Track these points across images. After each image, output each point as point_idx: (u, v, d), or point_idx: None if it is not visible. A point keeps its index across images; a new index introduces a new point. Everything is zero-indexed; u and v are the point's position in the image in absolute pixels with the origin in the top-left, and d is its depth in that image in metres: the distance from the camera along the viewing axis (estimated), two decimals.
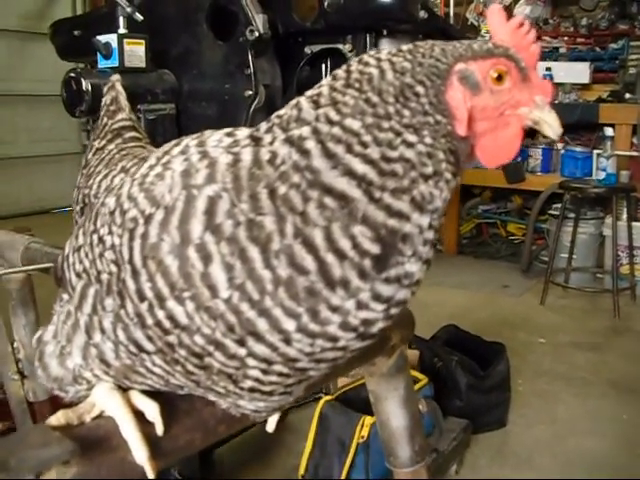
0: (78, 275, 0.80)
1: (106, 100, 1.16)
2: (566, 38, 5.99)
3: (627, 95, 5.43)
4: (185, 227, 0.65)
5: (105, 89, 1.18)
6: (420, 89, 0.68)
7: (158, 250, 0.66)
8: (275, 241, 0.63)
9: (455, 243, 6.03)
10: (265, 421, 0.93)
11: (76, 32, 2.25)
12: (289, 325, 0.64)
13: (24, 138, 7.70)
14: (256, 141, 0.68)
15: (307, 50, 1.81)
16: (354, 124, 0.65)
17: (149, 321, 0.68)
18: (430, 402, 2.52)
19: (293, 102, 0.70)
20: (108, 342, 0.75)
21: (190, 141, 0.72)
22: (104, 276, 0.73)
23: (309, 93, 0.70)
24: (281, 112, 0.70)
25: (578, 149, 5.42)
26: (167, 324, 0.67)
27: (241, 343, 0.66)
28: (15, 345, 1.72)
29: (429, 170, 0.66)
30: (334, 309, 0.64)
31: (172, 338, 0.68)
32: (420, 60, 0.69)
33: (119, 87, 1.17)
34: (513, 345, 3.58)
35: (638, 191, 4.86)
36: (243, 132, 0.72)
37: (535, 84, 0.73)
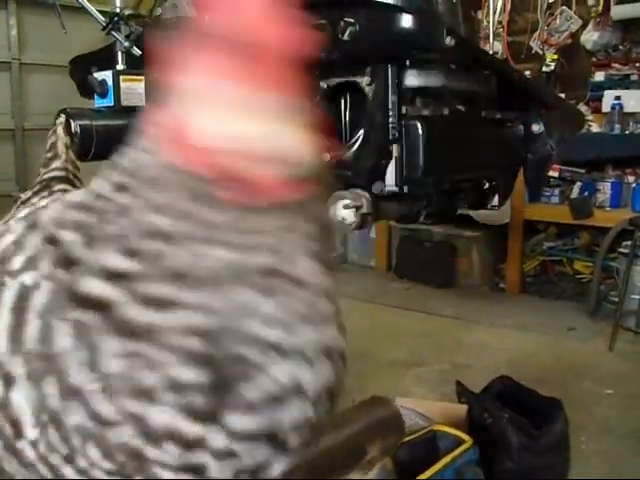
0: None
1: (46, 146, 1.02)
2: (637, 64, 5.66)
3: None
4: None
5: (49, 133, 1.04)
6: None
7: None
8: None
9: (518, 282, 5.73)
10: None
11: (93, 69, 2.17)
12: None
13: (86, 170, 7.85)
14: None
15: (323, 84, 1.65)
16: None
17: None
18: (473, 468, 2.29)
19: None
20: None
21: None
22: None
23: None
24: None
25: None
26: None
27: None
28: None
29: None
30: None
31: None
32: None
33: (60, 131, 1.03)
34: (577, 396, 3.33)
35: None
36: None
37: None
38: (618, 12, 5.64)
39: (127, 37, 1.63)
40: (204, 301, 0.46)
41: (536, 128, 2.08)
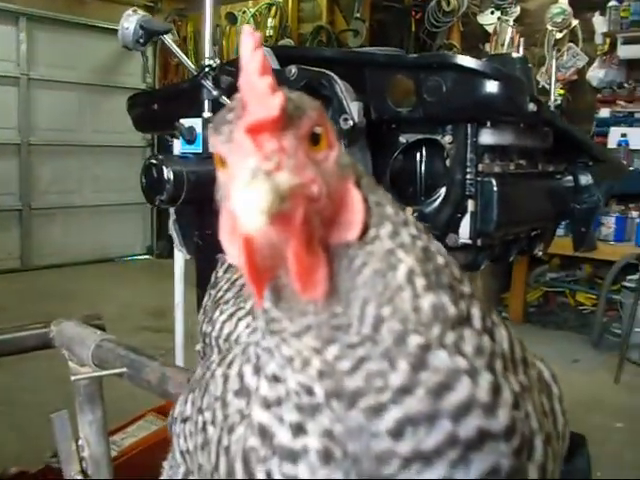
0: (182, 454, 0.69)
1: None
2: None
3: None
4: None
5: None
6: None
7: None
8: None
9: (522, 311, 5.82)
10: None
11: (154, 106, 2.22)
12: None
13: (90, 187, 7.84)
14: None
15: (402, 139, 1.71)
16: None
17: None
18: None
19: None
20: None
21: None
22: (203, 471, 0.63)
23: None
24: None
25: None
26: None
27: None
28: (80, 443, 1.63)
29: None
30: None
31: None
32: None
33: None
34: (587, 430, 3.34)
35: None
36: None
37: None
38: (624, 51, 5.80)
39: (216, 86, 1.68)
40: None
41: (584, 180, 2.17)
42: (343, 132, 1.61)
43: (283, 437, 0.52)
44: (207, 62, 1.70)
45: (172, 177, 1.59)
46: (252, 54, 0.50)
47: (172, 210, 2.00)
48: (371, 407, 0.48)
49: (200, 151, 1.69)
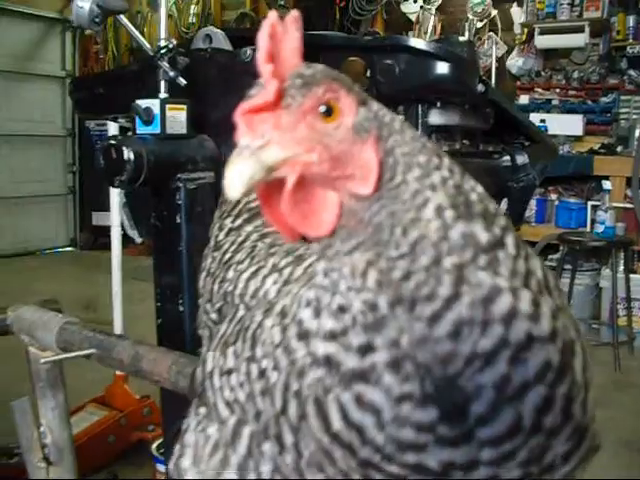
0: (228, 405, 0.73)
1: None
2: (558, 90, 6.08)
3: (619, 148, 5.52)
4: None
5: None
6: None
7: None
8: None
9: None
10: None
11: (100, 89, 2.19)
12: None
13: (6, 178, 7.55)
14: None
15: None
16: None
17: (308, 478, 0.62)
18: None
19: None
20: None
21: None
22: (264, 418, 0.66)
23: None
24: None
25: (572, 200, 5.47)
26: None
27: None
28: (42, 430, 1.61)
29: None
30: None
31: None
32: None
33: None
34: None
35: (637, 244, 4.90)
36: None
37: None
38: (541, 41, 6.05)
39: (173, 67, 1.67)
40: None
41: (521, 160, 2.27)
42: None
43: (350, 362, 0.57)
44: (163, 43, 1.69)
45: (132, 158, 1.58)
46: (261, 43, 0.58)
47: (122, 195, 1.98)
48: (428, 316, 0.55)
49: (158, 132, 1.68)
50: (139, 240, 2.00)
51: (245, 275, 0.88)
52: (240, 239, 0.97)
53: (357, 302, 0.57)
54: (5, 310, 1.64)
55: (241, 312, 0.82)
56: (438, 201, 0.59)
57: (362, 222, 0.58)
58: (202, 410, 0.80)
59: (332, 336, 0.59)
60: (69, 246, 8.31)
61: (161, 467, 2.56)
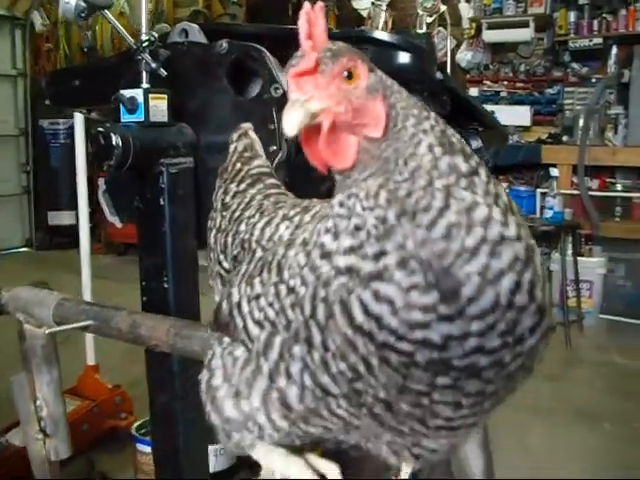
0: (259, 323, 0.86)
1: (237, 146, 1.23)
2: (506, 83, 6.32)
3: (565, 137, 5.78)
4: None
5: (235, 136, 1.24)
6: None
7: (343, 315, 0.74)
8: None
9: None
10: None
11: (76, 82, 2.27)
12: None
13: None
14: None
15: None
16: None
17: (333, 369, 0.76)
18: None
19: None
20: (294, 387, 0.81)
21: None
22: (294, 325, 0.79)
23: None
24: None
25: (522, 188, 5.71)
26: (349, 374, 0.75)
27: (431, 387, 0.73)
28: (38, 403, 1.70)
29: None
30: None
31: (358, 385, 0.75)
32: None
33: (252, 135, 1.24)
34: None
35: (584, 228, 5.16)
36: None
37: None
38: (488, 36, 6.29)
39: (155, 59, 1.77)
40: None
41: (475, 144, 2.44)
42: (274, 100, 1.76)
43: (367, 267, 0.72)
44: (144, 37, 1.79)
45: (120, 143, 1.68)
46: (303, 25, 0.76)
47: (101, 182, 2.07)
48: (426, 223, 0.71)
49: (142, 120, 1.78)
50: (120, 225, 2.09)
51: (259, 225, 1.03)
52: (246, 200, 1.12)
53: (370, 218, 0.73)
54: None
55: (259, 253, 0.97)
56: (429, 141, 0.76)
57: (374, 157, 0.76)
58: (226, 339, 0.93)
59: (351, 250, 0.74)
60: (25, 246, 8.26)
61: (142, 447, 2.65)
